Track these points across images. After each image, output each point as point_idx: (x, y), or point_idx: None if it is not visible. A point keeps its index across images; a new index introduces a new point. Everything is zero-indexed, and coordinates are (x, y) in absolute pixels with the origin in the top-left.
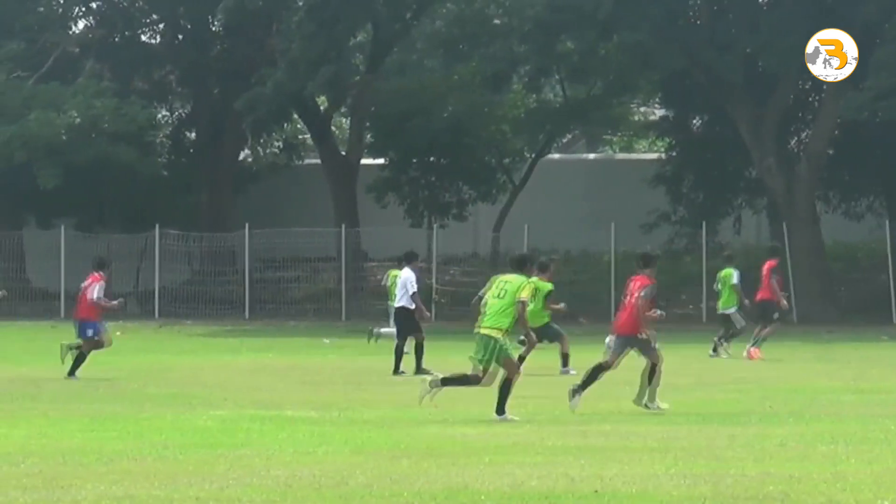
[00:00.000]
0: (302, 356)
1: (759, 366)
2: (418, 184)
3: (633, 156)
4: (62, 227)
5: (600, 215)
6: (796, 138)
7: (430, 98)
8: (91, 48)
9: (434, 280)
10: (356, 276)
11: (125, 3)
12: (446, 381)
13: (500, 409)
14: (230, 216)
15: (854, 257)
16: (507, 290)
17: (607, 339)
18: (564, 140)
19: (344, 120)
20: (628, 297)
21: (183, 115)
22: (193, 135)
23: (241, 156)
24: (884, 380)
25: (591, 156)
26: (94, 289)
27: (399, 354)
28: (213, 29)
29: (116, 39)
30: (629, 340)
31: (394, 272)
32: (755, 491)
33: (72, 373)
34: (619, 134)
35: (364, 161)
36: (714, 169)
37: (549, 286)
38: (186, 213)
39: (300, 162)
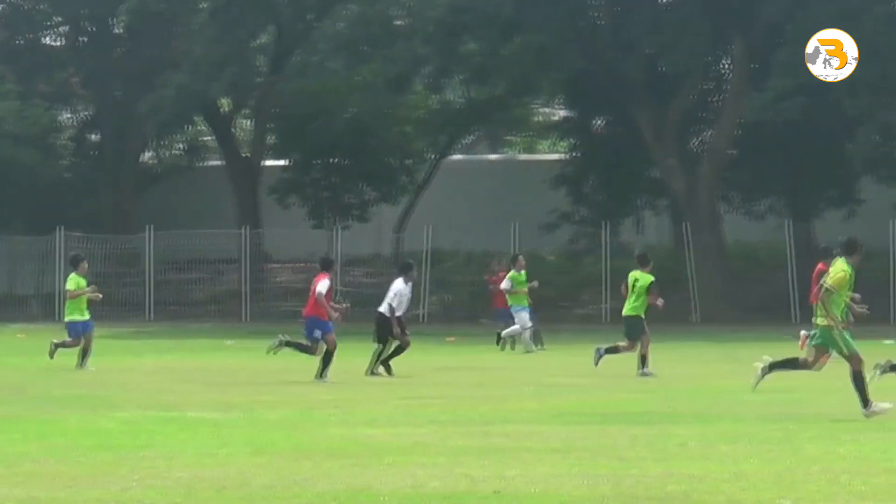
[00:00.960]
0: (205, 358)
1: (661, 366)
2: (321, 185)
3: (536, 156)
4: None
5: (503, 215)
6: (698, 138)
7: (332, 99)
8: None
9: (337, 281)
10: (258, 278)
11: (27, 6)
12: (774, 366)
13: (864, 403)
14: (133, 218)
15: (756, 257)
16: (826, 277)
17: None
18: (468, 141)
19: (247, 122)
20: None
21: (87, 117)
22: (96, 137)
23: (144, 158)
24: (784, 380)
25: (494, 156)
26: (320, 284)
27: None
28: (116, 31)
29: (19, 42)
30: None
31: (513, 274)
32: (657, 490)
33: (322, 375)
34: (522, 135)
35: (267, 163)
36: (616, 169)
37: (650, 278)
38: (89, 215)
39: (203, 164)
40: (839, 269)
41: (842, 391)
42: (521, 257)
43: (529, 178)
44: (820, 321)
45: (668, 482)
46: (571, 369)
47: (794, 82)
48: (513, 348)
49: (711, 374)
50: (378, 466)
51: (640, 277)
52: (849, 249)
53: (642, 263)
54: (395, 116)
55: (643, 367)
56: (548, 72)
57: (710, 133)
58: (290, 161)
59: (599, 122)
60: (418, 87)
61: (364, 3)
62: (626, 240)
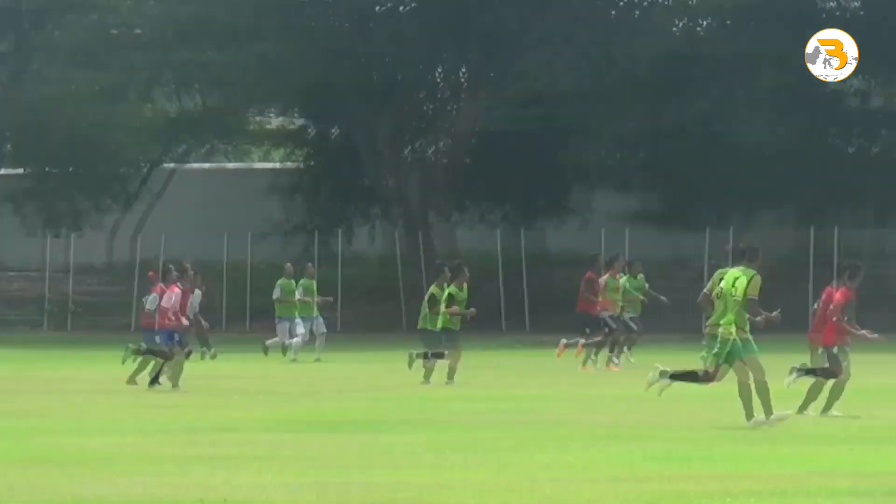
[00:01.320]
0: None
1: (389, 375)
2: (48, 193)
3: (267, 165)
4: None
5: (232, 224)
6: (421, 147)
7: (58, 108)
8: None
9: (70, 289)
10: None
11: None
12: (675, 377)
13: (761, 412)
14: None
15: (490, 265)
16: (738, 286)
17: None
18: (202, 150)
19: None
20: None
21: None
22: None
23: None
24: (515, 387)
25: (227, 165)
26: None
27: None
28: None
29: None
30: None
31: (302, 280)
32: (385, 498)
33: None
34: (258, 144)
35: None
36: (347, 178)
37: (451, 290)
38: None
39: None
40: (750, 275)
41: (574, 400)
42: (309, 265)
43: (260, 186)
44: (722, 329)
45: (396, 490)
46: (302, 377)
47: (532, 92)
48: (284, 354)
49: (443, 382)
50: (108, 475)
51: (452, 291)
52: (752, 255)
53: (455, 275)
54: (125, 125)
55: (450, 379)
56: (281, 80)
57: (443, 142)
58: (22, 169)
59: (334, 130)
60: (150, 95)
61: (100, 12)
62: (358, 248)
